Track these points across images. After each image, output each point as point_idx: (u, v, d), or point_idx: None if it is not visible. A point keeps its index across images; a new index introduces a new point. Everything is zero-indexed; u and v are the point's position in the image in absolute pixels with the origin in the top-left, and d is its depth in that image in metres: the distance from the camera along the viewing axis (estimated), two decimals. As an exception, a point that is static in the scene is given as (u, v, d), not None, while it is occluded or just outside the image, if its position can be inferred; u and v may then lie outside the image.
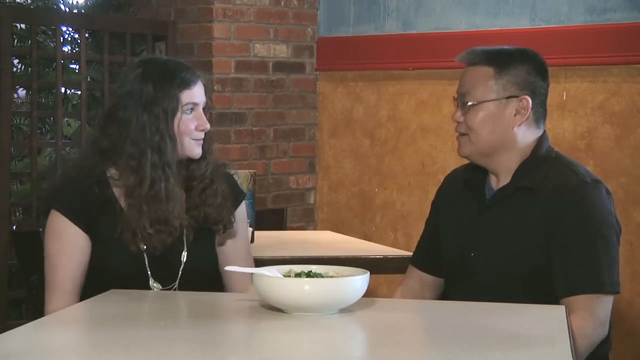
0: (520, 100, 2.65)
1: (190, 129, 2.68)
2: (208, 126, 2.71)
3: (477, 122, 2.65)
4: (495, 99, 2.64)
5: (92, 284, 2.65)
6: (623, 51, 4.61)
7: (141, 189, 2.62)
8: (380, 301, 2.47)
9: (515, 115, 2.65)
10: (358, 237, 4.67)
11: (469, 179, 2.78)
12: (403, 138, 5.36)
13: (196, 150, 2.71)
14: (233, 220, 2.77)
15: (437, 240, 2.83)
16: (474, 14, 5.06)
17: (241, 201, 2.85)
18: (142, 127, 2.65)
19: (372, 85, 5.47)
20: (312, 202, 5.69)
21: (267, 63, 5.44)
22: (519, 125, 2.66)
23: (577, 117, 4.76)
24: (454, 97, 2.75)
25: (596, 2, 4.70)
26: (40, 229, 3.09)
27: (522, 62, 2.68)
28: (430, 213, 2.92)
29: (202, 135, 2.70)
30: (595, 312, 2.54)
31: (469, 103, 2.66)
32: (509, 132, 2.66)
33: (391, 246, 4.52)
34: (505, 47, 2.75)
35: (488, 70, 2.66)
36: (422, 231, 2.95)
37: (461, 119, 2.68)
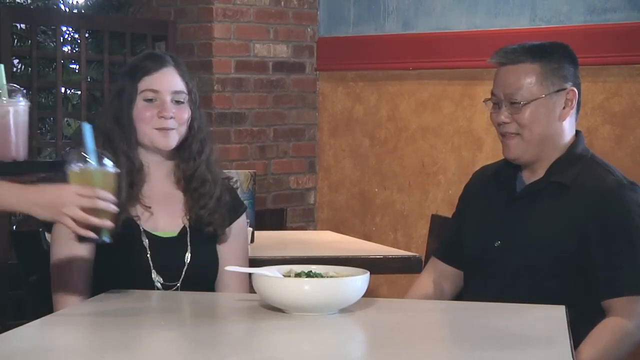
0: (568, 93, 2.68)
1: (145, 117, 2.66)
2: (168, 114, 2.65)
3: (531, 119, 2.65)
4: (546, 95, 2.66)
5: (96, 280, 2.65)
6: (623, 51, 4.61)
7: None
8: (380, 301, 2.47)
9: (564, 108, 2.68)
10: (358, 237, 4.67)
11: (499, 172, 2.80)
12: (403, 138, 5.36)
13: (162, 141, 2.66)
14: (226, 226, 2.74)
15: (460, 233, 2.85)
16: (474, 14, 5.06)
17: (242, 213, 2.82)
18: (107, 117, 2.69)
19: (372, 85, 5.47)
20: (312, 202, 5.69)
21: (267, 63, 5.44)
22: (568, 117, 2.69)
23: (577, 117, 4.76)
24: (488, 99, 2.73)
25: (596, 2, 4.70)
26: (40, 229, 3.09)
27: (561, 55, 2.70)
28: (457, 207, 2.94)
29: (165, 124, 2.65)
30: (638, 312, 2.56)
31: (522, 102, 2.65)
32: (560, 125, 2.69)
33: (391, 246, 4.52)
34: (538, 42, 2.74)
35: (534, 67, 2.66)
36: (448, 226, 2.98)
37: (508, 119, 2.68)
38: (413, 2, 5.29)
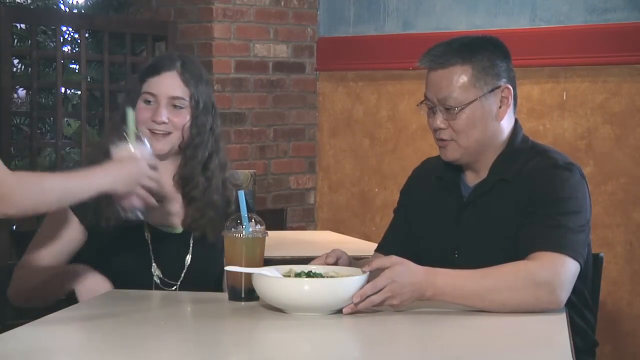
0: (503, 90, 2.57)
1: (142, 118, 2.68)
2: (160, 118, 2.66)
3: (467, 125, 2.56)
4: (481, 96, 2.54)
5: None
6: (623, 51, 4.61)
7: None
8: (380, 301, 2.47)
9: (500, 107, 2.57)
10: (358, 237, 4.67)
11: (442, 177, 2.70)
12: (403, 138, 5.36)
13: (154, 144, 2.64)
14: (218, 232, 2.68)
15: (406, 231, 2.73)
16: (474, 14, 5.06)
17: None
18: (119, 114, 2.72)
19: (372, 85, 5.47)
20: (312, 202, 5.69)
21: (267, 63, 5.44)
22: (506, 115, 2.58)
23: (577, 117, 4.76)
24: (422, 102, 2.62)
25: (596, 2, 4.71)
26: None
27: (491, 51, 2.58)
28: (399, 203, 2.83)
29: (157, 127, 2.67)
30: (557, 269, 2.35)
31: (456, 108, 2.54)
32: (497, 125, 2.58)
33: (391, 246, 4.51)
34: (467, 37, 2.62)
35: (465, 69, 2.54)
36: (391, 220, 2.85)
37: (444, 125, 2.59)
38: (413, 2, 5.29)
